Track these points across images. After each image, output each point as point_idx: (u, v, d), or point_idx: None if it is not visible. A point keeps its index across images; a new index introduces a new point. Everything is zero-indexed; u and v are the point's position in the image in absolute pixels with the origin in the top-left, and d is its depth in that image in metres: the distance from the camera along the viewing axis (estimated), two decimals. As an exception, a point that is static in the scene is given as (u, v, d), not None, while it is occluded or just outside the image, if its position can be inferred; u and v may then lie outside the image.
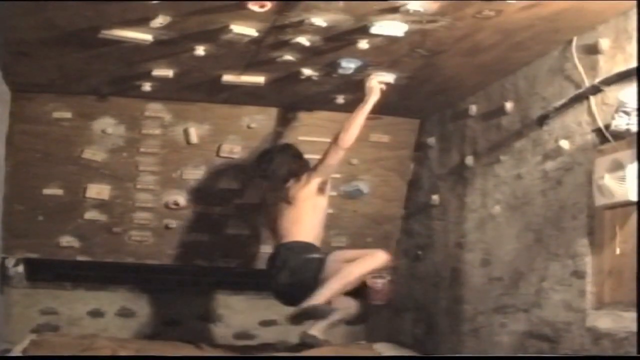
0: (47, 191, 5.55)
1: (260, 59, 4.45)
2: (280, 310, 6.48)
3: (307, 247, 5.14)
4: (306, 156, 5.39)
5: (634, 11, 3.52)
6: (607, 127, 3.70)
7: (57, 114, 5.36)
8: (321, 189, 5.23)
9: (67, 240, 5.74)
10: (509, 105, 4.66)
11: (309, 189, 5.19)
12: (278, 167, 5.29)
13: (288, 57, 4.38)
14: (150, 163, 5.62)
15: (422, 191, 5.84)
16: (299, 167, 5.30)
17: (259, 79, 4.84)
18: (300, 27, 3.87)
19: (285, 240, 5.20)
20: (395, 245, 6.17)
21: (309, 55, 4.35)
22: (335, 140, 4.98)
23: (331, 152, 5.04)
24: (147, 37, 4.01)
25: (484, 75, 4.72)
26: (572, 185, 4.01)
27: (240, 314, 6.52)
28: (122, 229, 5.79)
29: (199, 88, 5.12)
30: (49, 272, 6.07)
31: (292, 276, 5.06)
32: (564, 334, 3.97)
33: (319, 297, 4.85)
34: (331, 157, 5.06)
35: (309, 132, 5.64)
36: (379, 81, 4.76)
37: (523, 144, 4.52)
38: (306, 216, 5.21)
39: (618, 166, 3.54)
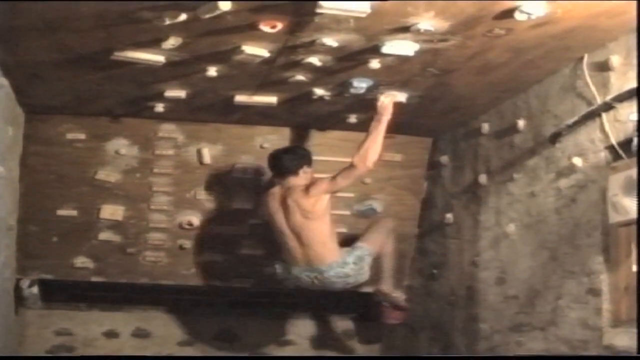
0: (61, 212, 5.58)
1: (272, 79, 4.47)
2: (295, 330, 6.51)
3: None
4: (319, 176, 5.35)
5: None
6: (625, 144, 3.68)
7: (70, 135, 5.41)
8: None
9: (81, 261, 5.75)
10: (521, 123, 4.65)
11: (322, 204, 5.19)
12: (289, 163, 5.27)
13: (300, 77, 4.38)
14: (164, 183, 5.64)
15: (435, 210, 5.82)
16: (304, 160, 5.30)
17: (272, 99, 4.85)
18: (311, 47, 3.87)
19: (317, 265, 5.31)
20: (410, 264, 6.15)
21: (320, 75, 4.36)
22: (352, 162, 4.93)
23: (346, 173, 5.01)
24: (159, 58, 4.03)
25: (495, 94, 4.72)
26: (586, 203, 3.99)
27: (255, 334, 6.51)
28: (136, 249, 5.80)
29: (211, 109, 5.14)
30: (63, 293, 6.08)
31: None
32: (581, 352, 3.94)
33: None
34: (345, 178, 5.05)
35: (321, 152, 5.63)
36: (389, 98, 4.75)
37: (536, 162, 4.50)
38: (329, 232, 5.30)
39: (632, 183, 3.52)
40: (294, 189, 5.20)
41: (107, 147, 5.49)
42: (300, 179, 5.22)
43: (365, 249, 5.38)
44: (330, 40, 3.76)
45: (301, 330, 6.60)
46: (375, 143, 4.82)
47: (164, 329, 6.40)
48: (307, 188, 5.16)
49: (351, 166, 4.94)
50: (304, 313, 6.55)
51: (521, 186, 4.67)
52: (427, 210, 5.96)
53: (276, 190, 5.32)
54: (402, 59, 4.03)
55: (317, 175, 5.26)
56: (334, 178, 5.07)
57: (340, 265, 5.28)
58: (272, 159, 5.35)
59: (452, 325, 5.49)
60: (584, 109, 4.00)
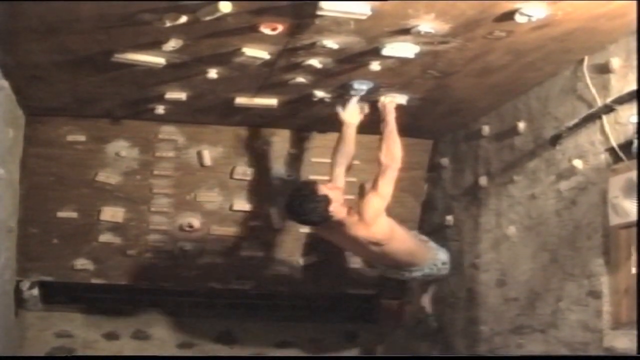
0: (61, 214, 5.56)
1: (273, 82, 4.47)
2: (295, 332, 6.50)
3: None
4: (319, 177, 5.29)
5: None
6: (625, 146, 3.68)
7: (70, 137, 5.39)
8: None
9: (81, 263, 5.74)
10: (521, 126, 4.65)
11: (384, 223, 4.90)
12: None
13: (300, 79, 4.39)
14: (164, 185, 5.63)
15: (436, 212, 5.82)
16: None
17: (272, 101, 4.85)
18: (312, 49, 3.87)
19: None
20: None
21: (321, 77, 4.36)
22: (380, 164, 4.72)
23: (383, 178, 4.71)
24: (160, 60, 4.03)
25: (496, 96, 4.72)
26: (587, 205, 3.99)
27: (255, 336, 6.50)
28: (136, 251, 5.79)
29: (212, 111, 5.14)
30: (63, 295, 6.09)
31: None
32: (582, 355, 3.94)
33: None
34: (385, 182, 4.71)
35: (322, 154, 5.62)
36: (389, 99, 4.74)
37: (536, 164, 4.51)
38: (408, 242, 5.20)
39: (632, 185, 3.53)
40: (344, 224, 4.81)
41: (108, 149, 5.48)
42: (337, 213, 4.73)
43: None
44: (331, 43, 3.76)
45: (301, 333, 6.60)
46: (392, 139, 4.72)
47: (164, 331, 6.39)
48: (360, 217, 4.75)
49: (382, 167, 4.71)
50: (304, 315, 6.55)
51: (521, 188, 4.67)
52: (428, 213, 5.95)
53: (327, 228, 4.96)
54: (403, 61, 4.03)
55: (322, 178, 5.10)
56: (374, 189, 4.72)
57: (430, 266, 5.29)
58: (296, 220, 4.95)
59: (452, 327, 5.49)
60: (585, 111, 4.01)
